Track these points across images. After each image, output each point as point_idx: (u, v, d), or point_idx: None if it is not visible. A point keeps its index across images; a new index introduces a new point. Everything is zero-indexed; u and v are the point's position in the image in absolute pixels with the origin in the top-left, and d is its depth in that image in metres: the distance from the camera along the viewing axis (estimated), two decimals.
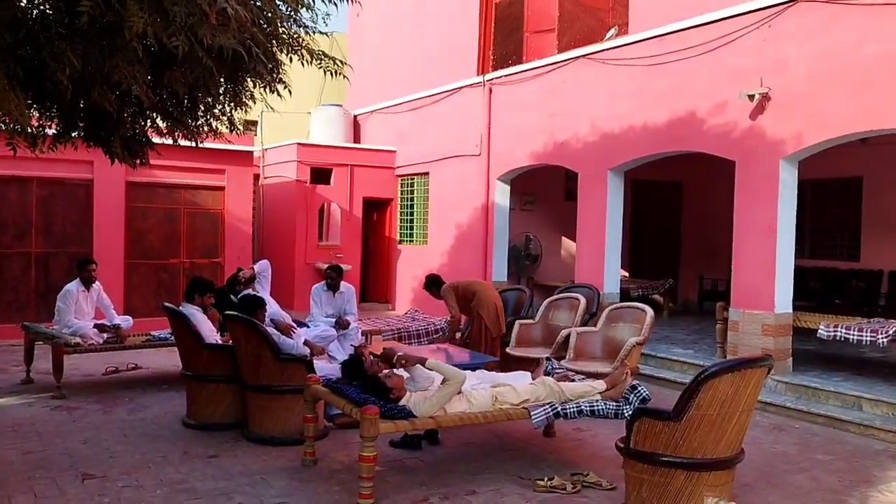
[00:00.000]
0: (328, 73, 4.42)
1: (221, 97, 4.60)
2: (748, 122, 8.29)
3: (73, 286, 8.24)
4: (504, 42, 12.48)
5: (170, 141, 5.49)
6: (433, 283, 8.73)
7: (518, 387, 5.40)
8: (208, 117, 5.18)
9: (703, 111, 8.81)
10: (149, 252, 12.02)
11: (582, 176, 10.52)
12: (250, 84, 4.59)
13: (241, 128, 5.45)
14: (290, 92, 4.78)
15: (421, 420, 4.92)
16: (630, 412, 5.31)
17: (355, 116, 16.29)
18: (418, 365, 5.13)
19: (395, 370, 5.18)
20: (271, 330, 6.28)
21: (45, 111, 4.56)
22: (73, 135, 4.94)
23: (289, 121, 16.84)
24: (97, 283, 8.54)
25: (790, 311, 8.11)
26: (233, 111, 5.21)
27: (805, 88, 7.77)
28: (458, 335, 8.65)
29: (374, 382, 5.08)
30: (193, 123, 5.01)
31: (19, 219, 11.10)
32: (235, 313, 6.13)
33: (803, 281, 9.49)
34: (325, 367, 6.58)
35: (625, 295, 11.34)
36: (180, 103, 4.64)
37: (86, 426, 6.59)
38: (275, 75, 4.42)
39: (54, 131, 5.09)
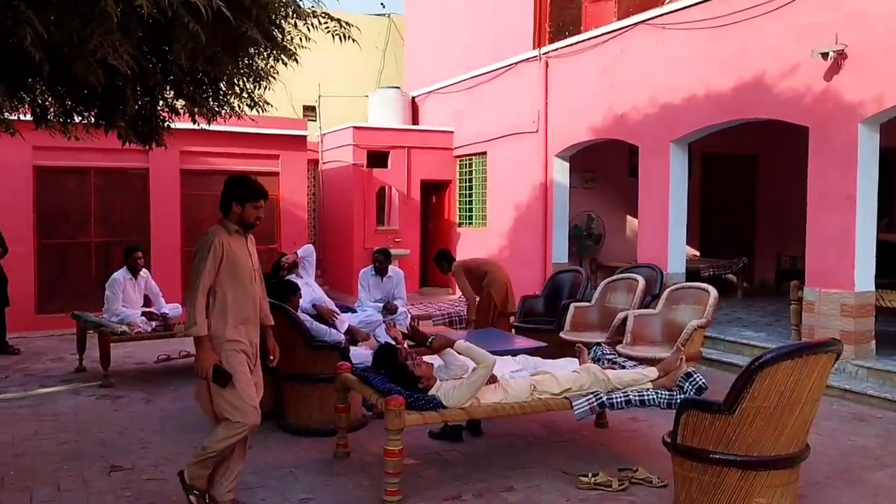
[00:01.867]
0: (335, 36, 4.09)
1: (231, 70, 4.32)
2: (822, 83, 7.58)
3: (120, 274, 8.24)
4: (561, 12, 11.95)
5: (189, 124, 5.27)
6: (444, 258, 8.59)
7: (560, 375, 5.00)
8: (225, 94, 4.92)
9: (772, 74, 8.13)
10: None
11: (643, 149, 9.95)
12: (252, 52, 4.30)
13: (263, 106, 5.17)
14: (296, 61, 4.49)
15: (451, 411, 4.58)
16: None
17: (413, 98, 16.00)
18: (450, 350, 4.77)
19: (425, 358, 4.85)
20: (304, 316, 6.05)
21: (28, 92, 4.41)
22: (78, 119, 4.78)
23: (347, 105, 16.80)
24: (145, 270, 8.52)
25: (872, 289, 7.41)
26: (249, 86, 4.92)
27: (886, 44, 7.02)
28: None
29: (401, 371, 4.77)
30: (207, 100, 4.75)
31: (79, 209, 11.28)
32: (268, 299, 5.89)
33: (887, 256, 8.69)
34: (363, 354, 6.31)
35: (694, 275, 10.74)
36: (189, 79, 4.40)
37: (126, 416, 6.54)
38: (275, 42, 4.12)
39: (54, 116, 4.92)
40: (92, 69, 3.27)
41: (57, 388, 7.54)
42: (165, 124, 5.20)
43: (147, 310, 8.33)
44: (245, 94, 5.00)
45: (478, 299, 8.55)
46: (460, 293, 9.26)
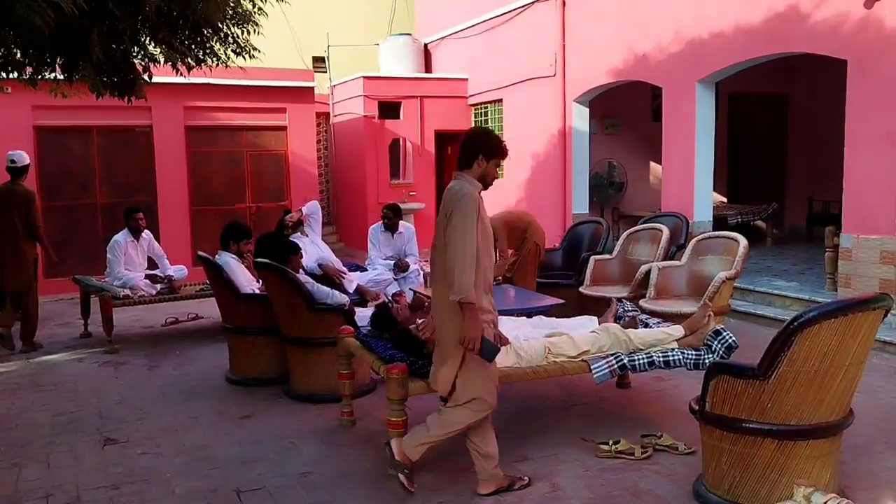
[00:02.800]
0: None
1: (212, 12, 3.91)
2: (862, 11, 6.99)
3: (121, 237, 7.97)
4: None
5: (192, 79, 4.88)
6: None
7: (577, 336, 4.64)
8: (208, 39, 4.50)
9: (806, 4, 7.53)
10: (214, 198, 11.75)
11: (667, 91, 9.42)
12: None
13: (250, 52, 4.76)
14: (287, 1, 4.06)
15: None
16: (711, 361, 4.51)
17: (425, 45, 15.43)
18: None
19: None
20: (305, 278, 5.72)
21: None
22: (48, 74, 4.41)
23: (358, 55, 16.24)
24: (147, 232, 8.23)
25: None
26: (234, 30, 4.51)
27: None
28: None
29: (404, 335, 4.44)
30: (187, 47, 4.35)
31: (82, 170, 11.02)
32: (266, 261, 5.59)
33: None
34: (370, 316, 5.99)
35: (721, 223, 10.34)
36: (164, 22, 4.00)
37: (127, 383, 6.31)
38: None
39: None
40: (37, 9, 2.89)
41: (60, 356, 7.34)
42: (146, 74, 4.79)
43: (151, 272, 8.07)
44: (231, 40, 4.57)
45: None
46: None
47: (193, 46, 4.43)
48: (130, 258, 7.99)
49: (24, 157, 7.69)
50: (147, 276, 7.96)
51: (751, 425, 3.46)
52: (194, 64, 4.55)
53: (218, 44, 4.61)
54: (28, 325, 7.53)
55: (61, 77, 4.64)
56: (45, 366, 6.98)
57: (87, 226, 11.03)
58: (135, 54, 4.46)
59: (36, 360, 7.20)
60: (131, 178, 11.28)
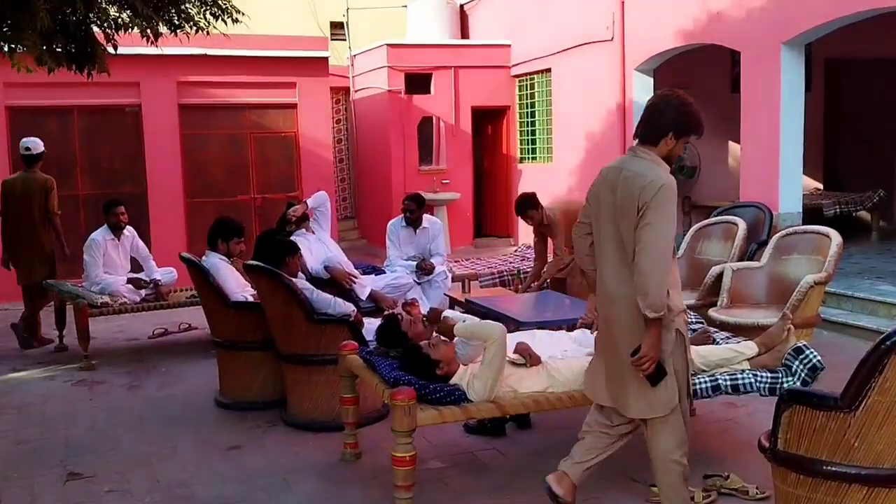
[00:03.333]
0: None
1: None
2: None
3: (99, 234, 8.01)
4: None
5: (186, 49, 4.80)
6: (529, 204, 7.71)
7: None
8: (181, 2, 4.44)
9: None
10: (212, 188, 11.81)
11: (746, 55, 9.19)
12: None
13: (233, 15, 4.69)
14: None
15: (477, 405, 4.12)
16: (791, 386, 4.33)
17: (461, 6, 15.37)
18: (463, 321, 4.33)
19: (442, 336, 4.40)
20: (302, 283, 5.65)
21: None
22: None
23: (382, 19, 16.21)
24: (130, 229, 8.26)
25: None
26: None
27: None
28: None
29: (414, 353, 4.33)
30: (155, 10, 4.28)
31: (62, 155, 11.10)
32: (257, 263, 5.53)
33: None
34: None
35: (815, 214, 10.12)
36: None
37: (102, 406, 6.35)
38: None
39: None
40: None
41: (30, 373, 7.43)
42: (110, 44, 4.74)
43: (134, 276, 8.09)
44: (209, 1, 4.50)
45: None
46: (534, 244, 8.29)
47: (163, 10, 4.35)
48: (111, 259, 8.02)
49: (38, 144, 8.40)
50: (130, 281, 7.98)
51: (833, 468, 3.27)
52: (166, 31, 4.49)
53: (195, 7, 4.53)
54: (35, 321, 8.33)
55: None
56: (12, 384, 7.05)
57: (67, 221, 11.01)
58: (93, 20, 4.41)
59: (4, 377, 7.28)
60: (117, 166, 11.40)
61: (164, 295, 8.05)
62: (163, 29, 4.55)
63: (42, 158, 8.42)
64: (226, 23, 4.83)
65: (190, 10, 4.51)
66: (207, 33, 4.89)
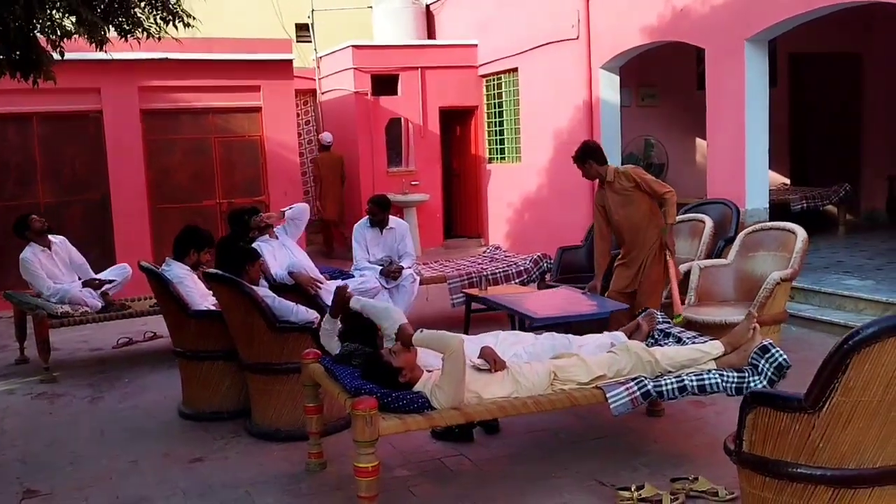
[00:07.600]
0: None
1: None
2: None
3: (29, 252, 7.73)
4: None
5: (147, 54, 4.67)
6: (592, 153, 6.90)
7: (590, 358, 4.44)
8: (131, 6, 4.32)
9: None
10: (177, 193, 11.64)
11: (710, 52, 9.18)
12: None
13: (183, 18, 4.57)
14: None
15: (440, 413, 4.04)
16: (757, 385, 4.30)
17: (427, 6, 15.28)
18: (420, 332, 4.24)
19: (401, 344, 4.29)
20: (263, 290, 5.55)
21: None
22: None
23: (348, 20, 16.09)
24: (59, 237, 8.06)
25: None
26: None
27: None
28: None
29: (375, 360, 4.24)
30: (100, 16, 4.16)
31: (22, 164, 10.95)
32: (216, 272, 5.43)
33: None
34: None
35: (783, 209, 10.16)
36: None
37: (62, 420, 6.20)
38: None
39: None
40: None
41: None
42: (57, 51, 4.61)
43: (91, 278, 7.91)
44: (158, 4, 4.38)
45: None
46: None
47: (111, 16, 4.23)
48: (51, 272, 7.76)
49: None
50: (86, 284, 7.80)
51: (799, 470, 3.23)
52: (116, 35, 4.37)
53: (145, 11, 4.41)
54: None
55: None
56: None
57: None
58: (34, 26, 4.28)
59: None
60: (79, 172, 11.19)
61: (114, 303, 7.88)
62: (112, 34, 4.41)
63: None
64: (177, 27, 4.71)
65: (139, 15, 4.39)
66: (159, 39, 4.77)
